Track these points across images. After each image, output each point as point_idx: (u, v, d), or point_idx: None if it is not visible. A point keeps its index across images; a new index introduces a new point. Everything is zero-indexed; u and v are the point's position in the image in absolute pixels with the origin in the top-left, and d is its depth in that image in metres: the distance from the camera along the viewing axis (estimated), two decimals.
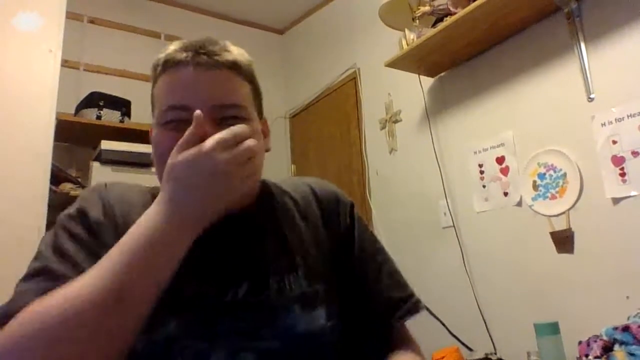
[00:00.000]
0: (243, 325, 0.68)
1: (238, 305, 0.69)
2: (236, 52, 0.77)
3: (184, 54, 0.72)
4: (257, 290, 0.71)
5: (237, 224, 0.75)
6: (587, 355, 1.34)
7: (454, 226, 2.17)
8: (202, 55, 0.72)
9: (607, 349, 1.32)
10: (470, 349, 2.02)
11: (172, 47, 0.75)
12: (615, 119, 1.64)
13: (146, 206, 0.64)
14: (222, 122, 0.68)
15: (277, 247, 0.76)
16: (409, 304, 0.83)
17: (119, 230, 0.67)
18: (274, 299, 0.71)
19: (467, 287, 2.07)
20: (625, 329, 1.31)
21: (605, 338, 1.34)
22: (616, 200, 1.63)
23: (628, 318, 1.39)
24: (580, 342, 1.42)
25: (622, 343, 1.29)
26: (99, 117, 2.56)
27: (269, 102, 3.29)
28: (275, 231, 0.78)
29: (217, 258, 0.73)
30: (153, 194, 0.75)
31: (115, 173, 2.43)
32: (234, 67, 0.74)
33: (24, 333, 0.55)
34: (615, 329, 1.33)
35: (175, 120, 0.70)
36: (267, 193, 0.83)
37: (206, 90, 0.71)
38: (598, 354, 1.31)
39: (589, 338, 1.39)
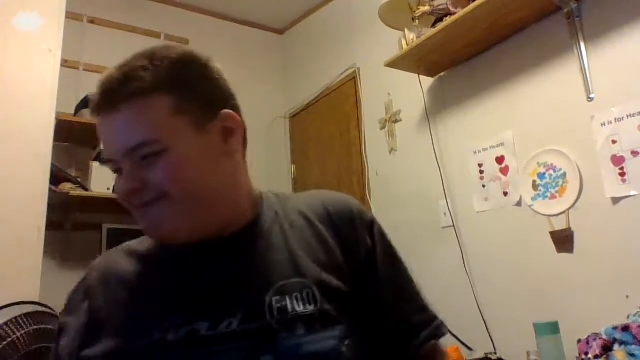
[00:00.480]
0: (241, 355, 0.65)
1: (234, 335, 0.66)
2: (145, 65, 0.70)
3: (93, 101, 0.71)
4: (254, 316, 0.67)
5: (226, 247, 0.74)
6: (586, 354, 1.34)
7: (453, 226, 2.17)
8: (106, 99, 0.69)
9: (607, 348, 1.32)
10: (470, 349, 2.02)
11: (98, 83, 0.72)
12: (615, 119, 1.64)
13: (136, 269, 0.74)
14: (142, 161, 0.68)
15: (281, 266, 0.72)
16: (431, 329, 0.82)
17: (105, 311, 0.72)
18: (273, 322, 0.66)
19: (466, 287, 2.08)
20: (625, 328, 1.31)
21: (605, 337, 1.34)
22: (616, 200, 1.63)
23: (628, 317, 1.39)
24: (579, 341, 1.42)
25: (622, 343, 1.29)
26: None
27: (269, 101, 3.31)
28: (280, 250, 0.74)
29: (206, 288, 0.70)
30: (131, 251, 0.79)
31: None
32: (137, 94, 0.68)
33: None
34: (615, 328, 1.33)
35: (114, 169, 0.73)
36: (270, 207, 0.80)
37: (114, 139, 0.70)
38: (597, 352, 1.31)
39: (588, 336, 1.39)
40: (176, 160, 0.67)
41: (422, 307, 0.83)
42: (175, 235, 0.71)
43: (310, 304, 0.68)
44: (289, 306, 0.67)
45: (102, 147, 0.72)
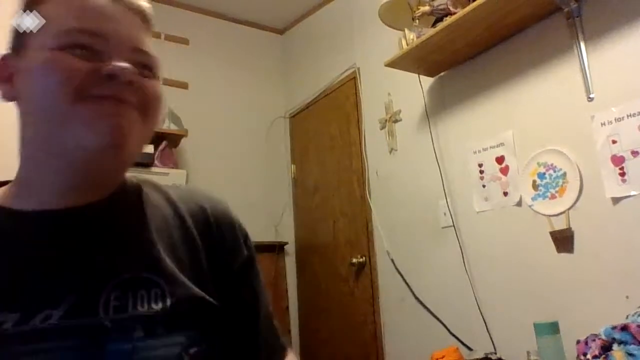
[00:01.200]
0: (57, 358, 0.51)
1: (51, 331, 0.52)
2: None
3: None
4: (83, 310, 0.54)
5: (77, 221, 0.61)
6: (585, 354, 1.34)
7: (453, 226, 2.17)
8: None
9: (606, 348, 1.32)
10: (470, 349, 2.02)
11: None
12: (615, 119, 1.64)
13: None
14: (139, 67, 0.62)
15: (131, 256, 0.60)
16: (279, 354, 0.75)
17: None
18: (106, 320, 0.54)
19: (466, 287, 2.08)
20: (624, 328, 1.31)
21: (603, 337, 1.34)
22: (616, 200, 1.63)
23: (627, 317, 1.39)
24: (578, 341, 1.42)
25: (620, 342, 1.29)
26: None
27: (269, 101, 3.30)
28: (135, 236, 0.62)
29: (26, 268, 0.56)
30: None
31: None
32: (147, 20, 0.66)
33: None
34: (614, 328, 1.33)
35: (85, 47, 0.58)
36: (134, 187, 0.69)
37: (128, 27, 0.62)
38: (597, 353, 1.31)
39: (587, 337, 1.39)
40: (161, 93, 0.65)
41: (277, 332, 0.76)
42: (126, 149, 0.59)
43: (156, 304, 0.57)
44: (130, 304, 0.56)
45: (82, 19, 0.59)
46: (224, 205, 0.74)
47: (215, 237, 0.68)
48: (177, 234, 0.65)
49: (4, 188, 0.65)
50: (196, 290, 0.61)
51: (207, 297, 0.62)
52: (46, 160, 0.60)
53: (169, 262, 0.61)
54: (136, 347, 0.54)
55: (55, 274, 0.56)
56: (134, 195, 0.67)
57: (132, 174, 0.71)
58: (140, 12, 0.65)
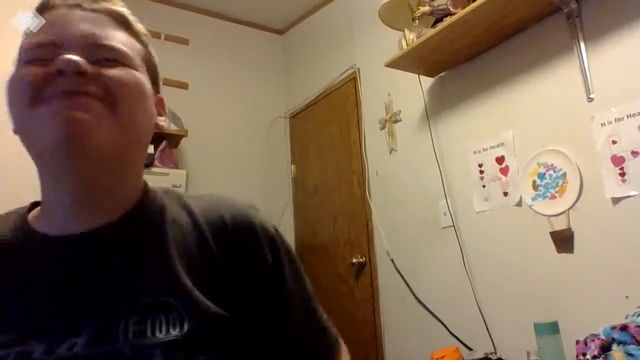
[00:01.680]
0: None
1: None
2: (131, 16, 0.70)
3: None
4: (104, 338, 0.54)
5: (92, 245, 0.60)
6: (584, 354, 1.34)
7: (453, 226, 2.17)
8: (84, 4, 0.64)
9: (605, 348, 1.31)
10: (470, 349, 2.02)
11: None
12: (615, 119, 1.64)
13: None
14: (102, 61, 0.60)
15: (148, 280, 0.58)
16: (331, 347, 0.74)
17: None
18: (126, 348, 0.54)
19: (466, 287, 2.08)
20: (624, 328, 1.31)
21: (603, 337, 1.34)
22: (616, 200, 1.63)
23: (626, 317, 1.39)
24: (578, 342, 1.42)
25: (620, 343, 1.29)
26: None
27: (269, 101, 3.30)
28: (152, 258, 0.60)
29: (49, 295, 0.56)
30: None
31: None
32: (121, 19, 0.67)
33: None
34: (613, 328, 1.33)
35: (40, 59, 0.59)
36: (155, 203, 0.67)
37: (80, 27, 0.61)
38: (596, 353, 1.31)
39: (587, 337, 1.39)
40: (137, 81, 0.62)
41: (324, 329, 0.73)
42: (89, 143, 0.56)
43: (175, 329, 0.56)
44: (149, 330, 0.55)
45: (36, 36, 0.61)
46: (245, 210, 0.68)
47: (233, 245, 0.64)
48: (196, 249, 0.62)
49: (38, 208, 0.66)
50: (213, 308, 0.59)
51: (223, 312, 0.59)
52: (43, 174, 0.62)
53: (187, 282, 0.59)
54: None
55: (75, 301, 0.56)
56: (154, 212, 0.65)
57: (159, 187, 0.71)
58: (107, 12, 0.65)
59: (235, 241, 0.64)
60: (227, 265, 0.63)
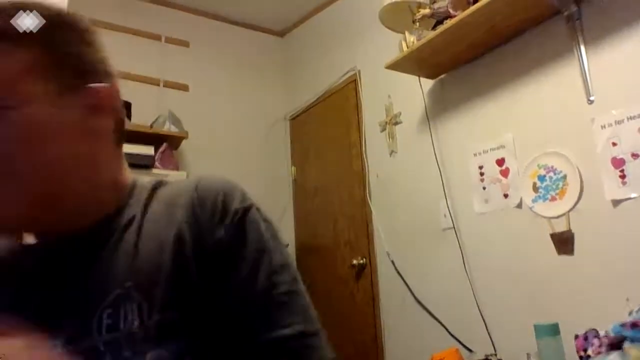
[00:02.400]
0: None
1: None
2: (15, 14, 0.58)
3: None
4: (82, 333, 0.54)
5: (64, 246, 0.61)
6: (585, 350, 1.32)
7: (454, 228, 2.17)
8: None
9: (614, 346, 1.29)
10: (470, 350, 2.02)
11: None
12: (615, 121, 1.64)
13: None
14: None
15: (122, 271, 0.57)
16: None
17: None
18: (100, 343, 0.54)
19: (467, 289, 2.08)
20: (634, 325, 1.28)
21: (611, 335, 1.31)
22: (616, 202, 1.63)
23: (630, 314, 1.38)
24: (576, 336, 1.40)
25: (633, 340, 1.26)
26: None
27: (269, 104, 3.30)
28: (128, 250, 0.59)
29: (28, 299, 0.58)
30: None
31: None
32: (17, 34, 0.57)
33: None
34: (623, 325, 1.30)
35: None
36: (137, 202, 0.64)
37: None
38: (602, 351, 1.28)
39: (586, 332, 1.38)
40: (23, 123, 0.55)
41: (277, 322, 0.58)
42: None
43: (140, 319, 0.54)
44: (121, 322, 0.54)
45: None
46: (212, 179, 0.64)
47: (199, 222, 0.59)
48: (165, 233, 0.59)
49: None
50: (179, 294, 0.56)
51: (191, 300, 0.56)
52: None
53: (153, 269, 0.57)
54: None
55: (56, 301, 0.57)
56: (138, 206, 0.63)
57: (155, 179, 0.68)
58: None
59: (201, 216, 0.59)
60: (192, 242, 0.58)
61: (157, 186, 0.67)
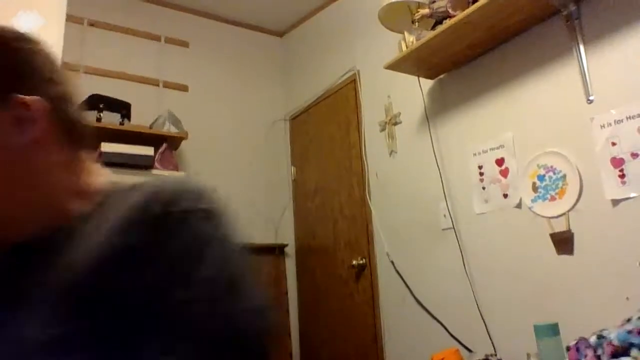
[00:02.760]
0: None
1: None
2: None
3: None
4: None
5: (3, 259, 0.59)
6: None
7: (453, 228, 2.17)
8: None
9: (618, 354, 1.26)
10: (470, 351, 2.02)
11: None
12: (615, 121, 1.64)
13: None
14: None
15: (32, 285, 0.56)
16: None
17: None
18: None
19: (467, 289, 2.08)
20: None
21: (616, 343, 1.27)
22: (616, 202, 1.63)
23: (629, 320, 1.38)
24: (568, 348, 1.38)
25: None
26: (99, 120, 2.56)
27: (269, 104, 3.30)
28: (46, 266, 0.56)
29: None
30: None
31: (116, 175, 2.43)
32: None
33: None
34: (630, 332, 1.28)
35: None
36: (88, 211, 0.60)
37: None
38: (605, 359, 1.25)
39: (577, 342, 1.35)
40: None
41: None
42: None
43: (54, 326, 0.51)
44: (33, 327, 0.52)
45: None
46: (140, 187, 0.59)
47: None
48: (82, 250, 0.55)
49: None
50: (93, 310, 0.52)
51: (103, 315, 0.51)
52: None
53: (73, 288, 0.53)
54: None
55: None
56: (87, 220, 0.59)
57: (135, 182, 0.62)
58: None
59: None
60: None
61: (125, 193, 0.60)
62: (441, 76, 2.33)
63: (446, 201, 2.21)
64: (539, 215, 1.85)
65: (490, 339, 1.97)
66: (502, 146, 2.02)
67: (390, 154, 2.60)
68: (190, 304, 0.50)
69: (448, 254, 2.19)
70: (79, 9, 2.65)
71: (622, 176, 1.61)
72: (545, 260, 1.81)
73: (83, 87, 2.71)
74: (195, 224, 0.53)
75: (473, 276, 2.08)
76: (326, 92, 3.18)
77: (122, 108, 2.69)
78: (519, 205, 1.93)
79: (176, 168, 2.80)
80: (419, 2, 2.12)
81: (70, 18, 2.18)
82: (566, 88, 1.81)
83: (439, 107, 2.33)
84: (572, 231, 1.74)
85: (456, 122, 2.24)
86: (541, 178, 1.85)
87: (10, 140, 0.57)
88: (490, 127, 2.08)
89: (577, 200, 1.73)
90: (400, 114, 2.56)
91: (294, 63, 3.59)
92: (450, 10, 1.96)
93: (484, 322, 2.00)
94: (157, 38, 3.12)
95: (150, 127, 2.80)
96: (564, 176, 1.78)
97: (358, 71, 2.90)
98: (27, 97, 0.58)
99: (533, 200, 1.87)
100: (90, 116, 2.55)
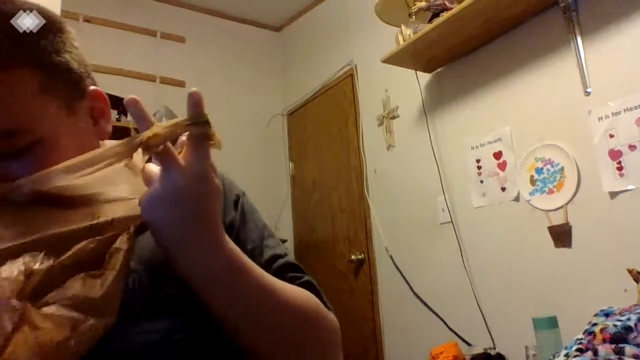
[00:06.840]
0: None
1: None
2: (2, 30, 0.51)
3: None
4: None
5: None
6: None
7: (451, 222, 2.17)
8: None
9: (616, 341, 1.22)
10: (469, 344, 2.02)
11: None
12: (612, 113, 1.64)
13: None
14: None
15: None
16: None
17: None
18: None
19: (465, 283, 2.08)
20: None
21: (610, 333, 1.24)
22: (613, 194, 1.63)
23: (629, 320, 1.36)
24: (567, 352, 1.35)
25: None
26: None
27: (266, 99, 3.29)
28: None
29: None
30: None
31: None
32: (12, 58, 0.51)
33: None
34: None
35: None
36: None
37: None
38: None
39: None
40: (51, 152, 0.53)
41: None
42: None
43: (135, 289, 0.54)
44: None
45: None
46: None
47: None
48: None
49: None
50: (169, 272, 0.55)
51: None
52: None
53: (156, 251, 0.56)
54: (115, 335, 0.49)
55: None
56: None
57: None
58: None
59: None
60: None
61: None
62: (438, 69, 2.32)
63: (444, 195, 2.21)
64: (537, 208, 1.84)
65: (489, 332, 1.98)
66: (499, 139, 2.01)
67: (388, 148, 2.60)
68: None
69: (446, 248, 2.19)
70: (74, 4, 2.63)
71: (620, 168, 1.61)
72: (544, 253, 1.81)
73: None
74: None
75: (471, 270, 2.08)
76: (323, 86, 3.17)
77: (119, 104, 2.67)
78: (516, 199, 1.93)
79: None
80: None
81: (65, 14, 2.16)
82: (564, 80, 1.80)
83: (437, 100, 2.32)
84: (570, 224, 1.74)
85: (454, 116, 2.23)
86: (539, 171, 1.85)
87: (91, 131, 0.60)
88: (488, 121, 2.07)
89: (575, 193, 1.73)
90: (397, 108, 2.56)
91: (291, 58, 3.58)
92: (447, 3, 1.95)
93: (483, 315, 2.00)
94: (153, 33, 3.11)
95: None
96: (562, 169, 1.78)
97: (355, 65, 2.90)
98: (98, 88, 0.61)
99: (531, 194, 1.87)
100: None
